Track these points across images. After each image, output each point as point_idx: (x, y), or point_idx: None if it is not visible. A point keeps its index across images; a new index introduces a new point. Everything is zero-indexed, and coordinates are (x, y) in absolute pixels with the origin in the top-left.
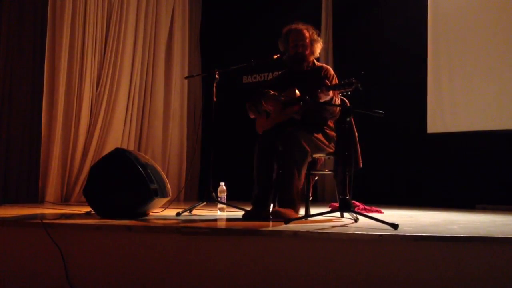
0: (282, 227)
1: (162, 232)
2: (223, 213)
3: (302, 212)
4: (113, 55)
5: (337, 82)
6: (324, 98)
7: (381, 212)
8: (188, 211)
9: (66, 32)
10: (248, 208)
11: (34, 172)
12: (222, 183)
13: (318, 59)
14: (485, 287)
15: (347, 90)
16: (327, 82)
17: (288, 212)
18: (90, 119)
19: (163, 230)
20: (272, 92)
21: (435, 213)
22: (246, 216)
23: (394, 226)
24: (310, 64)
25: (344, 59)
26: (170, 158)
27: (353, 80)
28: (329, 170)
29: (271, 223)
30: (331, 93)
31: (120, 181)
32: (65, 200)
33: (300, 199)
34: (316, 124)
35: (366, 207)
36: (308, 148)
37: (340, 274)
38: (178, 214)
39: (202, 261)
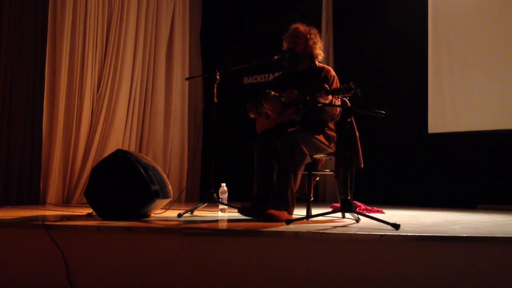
0: (284, 227)
1: (164, 233)
2: (225, 214)
3: (300, 212)
4: (113, 56)
5: (338, 83)
6: (323, 102)
7: (383, 212)
8: (190, 212)
9: (67, 34)
10: None
11: (35, 173)
12: (223, 184)
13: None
14: (487, 287)
15: (346, 95)
16: (326, 86)
17: (282, 214)
18: (91, 120)
19: (165, 231)
20: (273, 92)
21: (437, 213)
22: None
23: (396, 226)
24: (310, 65)
25: (344, 59)
26: (171, 159)
27: (352, 85)
28: (330, 171)
29: (271, 223)
30: (330, 97)
31: (121, 183)
32: (66, 201)
33: (294, 200)
34: (316, 125)
35: (368, 207)
36: (306, 151)
37: (342, 274)
38: (179, 215)
39: (204, 262)
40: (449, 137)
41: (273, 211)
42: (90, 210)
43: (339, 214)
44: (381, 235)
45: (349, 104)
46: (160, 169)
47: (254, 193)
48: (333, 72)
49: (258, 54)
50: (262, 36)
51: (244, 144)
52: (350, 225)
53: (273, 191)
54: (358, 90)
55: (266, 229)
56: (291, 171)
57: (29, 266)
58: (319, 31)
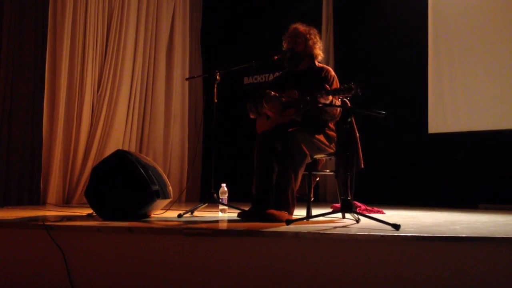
0: (284, 228)
1: (164, 234)
2: (225, 214)
3: (300, 213)
4: (114, 56)
5: (338, 83)
6: (324, 102)
7: (383, 213)
8: (190, 213)
9: (67, 34)
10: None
11: (35, 174)
12: (224, 184)
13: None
14: (488, 287)
15: (346, 95)
16: (327, 86)
17: (282, 214)
18: (92, 120)
19: (165, 231)
20: (273, 93)
21: (437, 213)
22: (243, 215)
23: (396, 226)
24: (310, 65)
25: (344, 59)
26: (171, 159)
27: (352, 85)
28: (331, 171)
29: (272, 223)
30: (330, 97)
31: (122, 183)
32: (66, 202)
33: (295, 201)
34: (316, 125)
35: (368, 207)
36: (307, 151)
37: (342, 274)
38: (179, 216)
39: (204, 262)
40: (450, 137)
41: (273, 211)
42: (90, 211)
43: (339, 215)
44: (382, 236)
45: (349, 104)
46: (160, 169)
47: (253, 194)
48: (333, 72)
49: (258, 54)
50: (262, 36)
51: (245, 144)
52: (350, 226)
53: (273, 192)
54: (358, 90)
55: (266, 230)
56: (292, 171)
57: (30, 267)
58: (319, 31)
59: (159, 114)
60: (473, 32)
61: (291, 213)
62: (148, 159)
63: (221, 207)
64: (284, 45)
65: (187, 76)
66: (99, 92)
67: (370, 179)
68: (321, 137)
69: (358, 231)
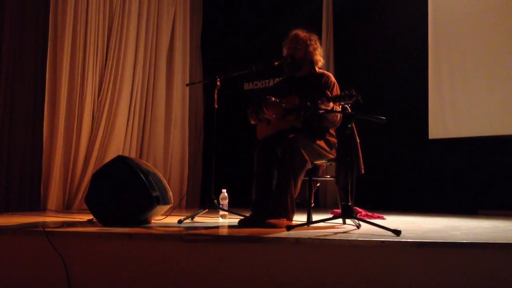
0: (284, 234)
1: (164, 240)
2: (225, 220)
3: (300, 218)
4: (114, 62)
5: (338, 89)
6: (325, 108)
7: (383, 218)
8: (190, 218)
9: (68, 40)
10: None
11: (36, 180)
12: (224, 190)
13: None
14: None
15: (347, 102)
16: (328, 93)
17: (281, 222)
18: (92, 126)
19: (165, 237)
20: (273, 98)
21: (437, 219)
22: (243, 223)
23: (397, 232)
24: (310, 71)
25: (345, 65)
26: (171, 165)
27: (353, 92)
28: (331, 177)
29: (272, 229)
30: (331, 103)
31: (122, 189)
32: (67, 208)
33: (294, 207)
34: (317, 131)
35: (368, 213)
36: (307, 157)
37: (343, 281)
38: (180, 222)
39: (204, 269)
40: (450, 142)
41: (272, 221)
42: (90, 216)
43: (339, 220)
44: (382, 241)
45: (349, 110)
46: (160, 175)
47: (253, 200)
48: (333, 78)
49: (259, 59)
50: (263, 42)
51: (245, 150)
52: (351, 231)
53: (272, 198)
54: (359, 97)
55: (267, 236)
56: (291, 177)
57: (30, 273)
58: (320, 37)
59: (159, 120)
60: (473, 37)
61: (290, 220)
62: (149, 165)
63: (221, 212)
64: (285, 51)
65: (187, 82)
66: (100, 99)
67: (371, 184)
68: (321, 143)
69: (359, 237)
